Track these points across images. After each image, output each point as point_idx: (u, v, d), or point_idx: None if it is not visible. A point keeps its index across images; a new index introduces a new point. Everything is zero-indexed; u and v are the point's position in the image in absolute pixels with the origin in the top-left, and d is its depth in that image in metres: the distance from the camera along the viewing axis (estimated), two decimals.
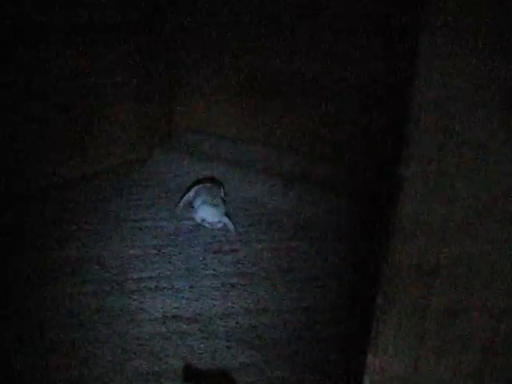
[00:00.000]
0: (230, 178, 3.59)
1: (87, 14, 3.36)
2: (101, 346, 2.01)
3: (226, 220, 3.04)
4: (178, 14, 3.91)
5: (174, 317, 2.22)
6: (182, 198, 3.27)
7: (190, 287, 2.44)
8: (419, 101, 0.72)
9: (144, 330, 2.12)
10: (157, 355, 1.98)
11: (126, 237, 2.88)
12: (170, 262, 2.65)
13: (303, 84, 3.44)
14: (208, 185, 3.24)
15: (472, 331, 0.74)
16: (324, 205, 3.19)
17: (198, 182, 3.41)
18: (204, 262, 2.67)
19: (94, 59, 3.47)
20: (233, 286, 2.47)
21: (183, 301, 2.33)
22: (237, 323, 2.20)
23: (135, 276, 2.51)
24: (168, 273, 2.55)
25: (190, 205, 3.17)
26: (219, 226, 3.03)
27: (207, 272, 2.58)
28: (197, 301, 2.34)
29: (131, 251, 2.73)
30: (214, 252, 2.78)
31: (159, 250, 2.76)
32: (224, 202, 3.18)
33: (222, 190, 3.30)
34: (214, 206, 3.03)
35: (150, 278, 2.50)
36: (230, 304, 2.33)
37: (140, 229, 2.98)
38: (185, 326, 2.16)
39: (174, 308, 2.28)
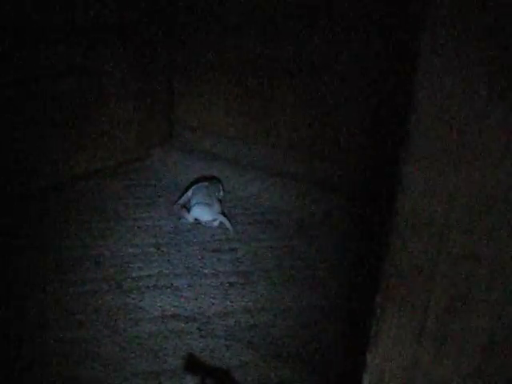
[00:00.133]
0: (230, 177, 3.59)
1: (87, 14, 3.35)
2: (99, 345, 2.02)
3: (221, 218, 3.04)
4: (178, 14, 3.91)
5: (173, 315, 2.22)
6: (181, 197, 3.27)
7: (189, 286, 2.44)
8: (419, 100, 0.72)
9: (143, 329, 2.12)
10: (156, 354, 1.98)
11: (125, 235, 2.88)
12: (168, 260, 2.65)
13: (303, 84, 3.44)
14: (205, 183, 3.24)
15: (472, 331, 0.74)
16: (323, 204, 3.19)
17: (196, 180, 3.41)
18: (203, 260, 2.68)
19: (94, 59, 3.47)
20: (232, 284, 2.47)
21: (182, 299, 2.34)
22: (236, 322, 2.20)
23: (134, 275, 2.51)
24: (167, 271, 2.55)
25: (187, 204, 3.18)
26: (215, 224, 3.04)
27: (206, 271, 2.58)
28: (196, 300, 2.34)
29: (130, 250, 2.73)
30: (213, 251, 2.78)
31: (158, 249, 2.76)
32: (220, 200, 3.18)
33: (220, 188, 3.31)
34: (207, 205, 3.04)
35: (149, 276, 2.50)
36: (229, 303, 2.33)
37: (139, 227, 2.98)
38: (184, 325, 2.16)
39: (173, 307, 2.28)
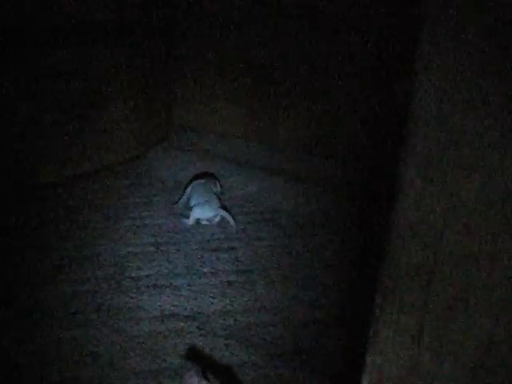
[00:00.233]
0: (229, 176, 3.59)
1: (87, 14, 3.35)
2: (99, 345, 2.02)
3: (222, 213, 3.04)
4: (178, 14, 3.91)
5: (173, 315, 2.22)
6: (181, 197, 3.27)
7: (189, 285, 2.44)
8: (419, 100, 0.72)
9: (142, 328, 2.12)
10: (155, 353, 1.98)
11: (124, 235, 2.87)
12: (168, 259, 2.65)
13: (303, 84, 3.44)
14: (202, 181, 3.25)
15: (471, 331, 0.74)
16: (323, 204, 3.20)
17: (193, 178, 3.41)
18: (202, 259, 2.68)
19: (94, 59, 3.46)
20: (231, 283, 2.47)
21: (181, 299, 2.34)
22: (235, 321, 2.20)
23: (133, 274, 2.51)
24: (166, 271, 2.55)
25: (187, 204, 3.18)
26: (217, 220, 3.04)
27: (205, 270, 2.58)
28: (195, 299, 2.34)
29: (129, 249, 2.73)
30: (213, 250, 2.78)
31: (157, 248, 2.76)
32: (218, 196, 3.18)
33: (217, 184, 3.31)
34: (206, 202, 3.04)
35: (149, 275, 2.50)
36: (228, 302, 2.33)
37: (138, 226, 2.98)
38: (183, 324, 2.16)
39: (173, 306, 2.28)
